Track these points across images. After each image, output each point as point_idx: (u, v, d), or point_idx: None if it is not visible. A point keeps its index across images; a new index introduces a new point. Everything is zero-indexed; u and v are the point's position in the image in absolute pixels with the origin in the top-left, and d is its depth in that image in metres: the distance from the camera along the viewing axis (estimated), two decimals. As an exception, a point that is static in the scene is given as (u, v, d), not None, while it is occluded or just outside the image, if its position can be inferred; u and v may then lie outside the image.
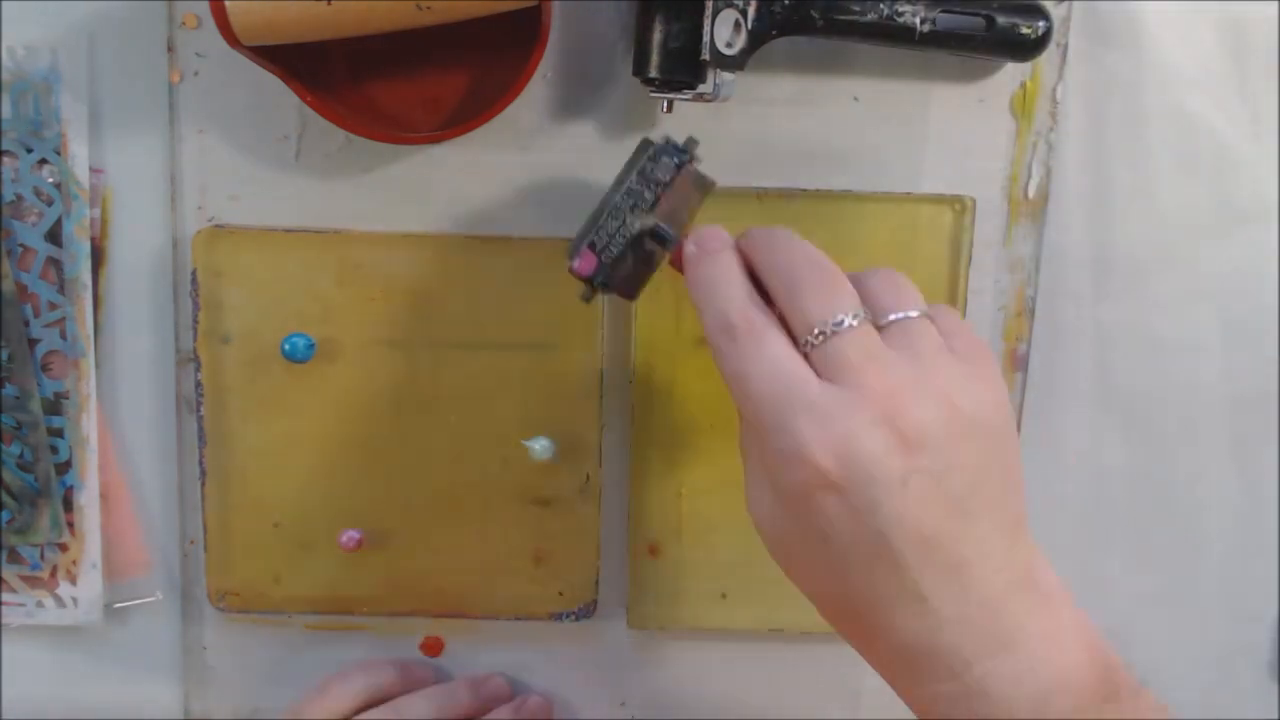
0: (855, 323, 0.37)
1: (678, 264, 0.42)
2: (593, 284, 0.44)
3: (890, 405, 0.35)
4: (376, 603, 0.53)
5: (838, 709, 0.56)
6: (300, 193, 0.50)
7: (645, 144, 0.45)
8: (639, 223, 0.43)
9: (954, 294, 0.51)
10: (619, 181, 0.45)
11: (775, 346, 0.37)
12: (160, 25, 0.48)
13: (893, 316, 0.38)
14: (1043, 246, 0.52)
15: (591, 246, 0.43)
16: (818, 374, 0.37)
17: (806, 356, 0.37)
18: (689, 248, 0.41)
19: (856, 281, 0.39)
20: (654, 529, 0.53)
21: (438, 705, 0.52)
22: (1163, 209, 0.52)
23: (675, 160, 0.44)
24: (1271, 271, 0.53)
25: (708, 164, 0.50)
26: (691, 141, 0.45)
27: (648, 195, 0.44)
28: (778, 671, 0.55)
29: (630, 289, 0.44)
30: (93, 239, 0.50)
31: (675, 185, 0.44)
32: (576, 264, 0.44)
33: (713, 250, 0.41)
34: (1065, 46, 0.50)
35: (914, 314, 0.38)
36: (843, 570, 0.36)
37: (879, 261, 0.50)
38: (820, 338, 0.37)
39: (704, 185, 0.45)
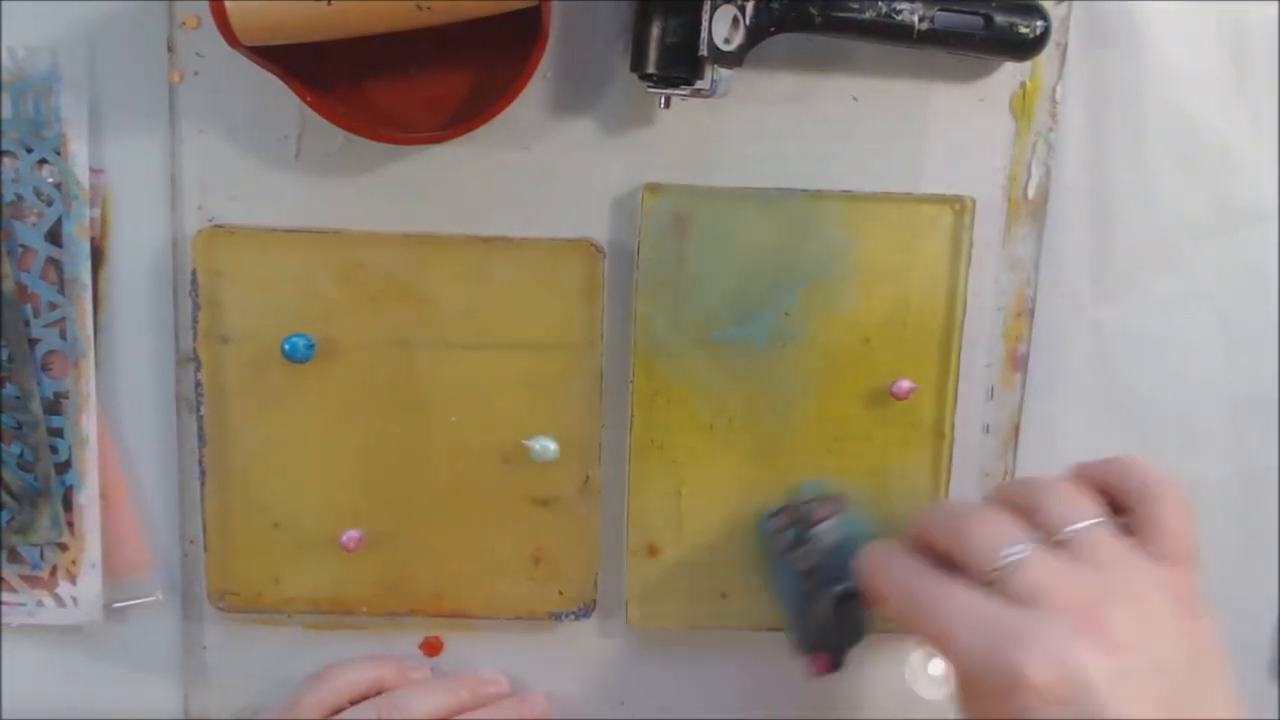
0: (1027, 551, 0.39)
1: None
2: (837, 668, 0.47)
3: (1087, 614, 0.37)
4: (376, 603, 0.53)
5: (838, 709, 0.56)
6: (300, 193, 0.50)
7: (767, 521, 0.49)
8: (825, 604, 0.46)
9: (954, 294, 0.51)
10: (777, 570, 0.48)
11: (962, 593, 0.39)
12: (160, 25, 0.48)
13: (1067, 531, 0.40)
14: (1042, 246, 0.52)
15: (815, 646, 0.47)
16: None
17: (995, 595, 0.39)
18: (861, 574, 0.43)
19: (1025, 497, 0.41)
20: (654, 529, 0.53)
21: (436, 699, 0.52)
22: (1163, 209, 0.52)
23: (776, 528, 0.48)
24: (1271, 271, 0.53)
25: (707, 163, 0.50)
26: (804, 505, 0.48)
27: (808, 585, 0.47)
28: (778, 671, 0.55)
29: (858, 639, 0.47)
30: (93, 239, 0.50)
31: (813, 539, 0.47)
32: (815, 669, 0.47)
33: (877, 554, 0.43)
34: (1065, 46, 0.50)
35: (1086, 524, 0.40)
36: None
37: (880, 263, 0.50)
38: (998, 574, 0.38)
39: (835, 507, 0.48)
